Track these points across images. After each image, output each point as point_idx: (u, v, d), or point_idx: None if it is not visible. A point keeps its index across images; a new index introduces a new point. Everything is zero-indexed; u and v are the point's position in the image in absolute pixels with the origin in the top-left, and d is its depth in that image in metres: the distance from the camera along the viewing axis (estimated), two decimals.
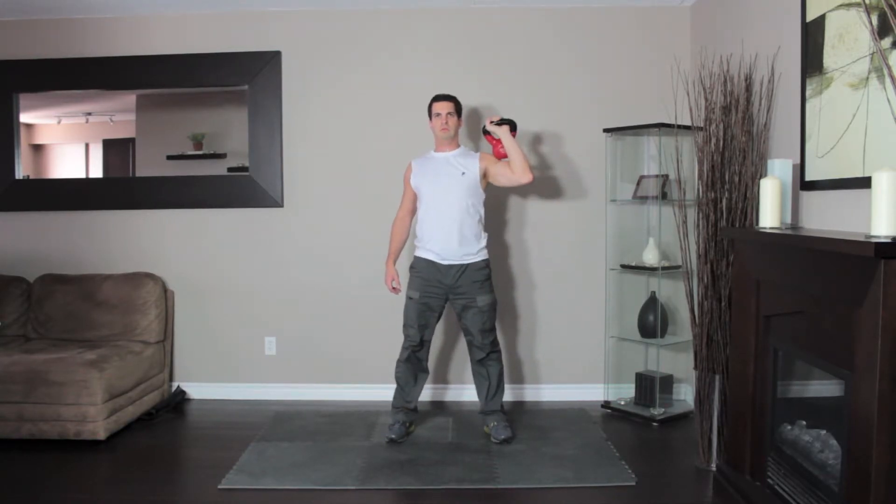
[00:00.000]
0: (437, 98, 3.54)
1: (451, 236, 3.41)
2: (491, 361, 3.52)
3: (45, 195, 4.33)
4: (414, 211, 3.63)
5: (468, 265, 3.43)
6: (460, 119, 3.58)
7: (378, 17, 4.18)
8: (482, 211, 3.52)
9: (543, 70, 4.17)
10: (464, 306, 3.46)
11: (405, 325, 3.52)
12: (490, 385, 3.52)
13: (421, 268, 3.48)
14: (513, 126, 3.51)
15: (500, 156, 3.52)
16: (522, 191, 4.15)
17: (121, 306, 4.05)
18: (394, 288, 3.61)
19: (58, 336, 4.05)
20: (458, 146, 3.58)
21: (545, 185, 4.19)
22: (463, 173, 3.45)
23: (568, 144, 4.18)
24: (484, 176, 3.49)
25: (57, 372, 3.42)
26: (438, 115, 3.49)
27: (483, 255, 3.49)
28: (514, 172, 3.39)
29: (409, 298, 3.51)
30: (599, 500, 2.86)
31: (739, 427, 2.81)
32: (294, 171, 4.24)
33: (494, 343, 3.52)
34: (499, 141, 3.50)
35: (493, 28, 4.17)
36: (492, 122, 3.51)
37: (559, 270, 4.23)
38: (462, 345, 4.08)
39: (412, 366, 3.54)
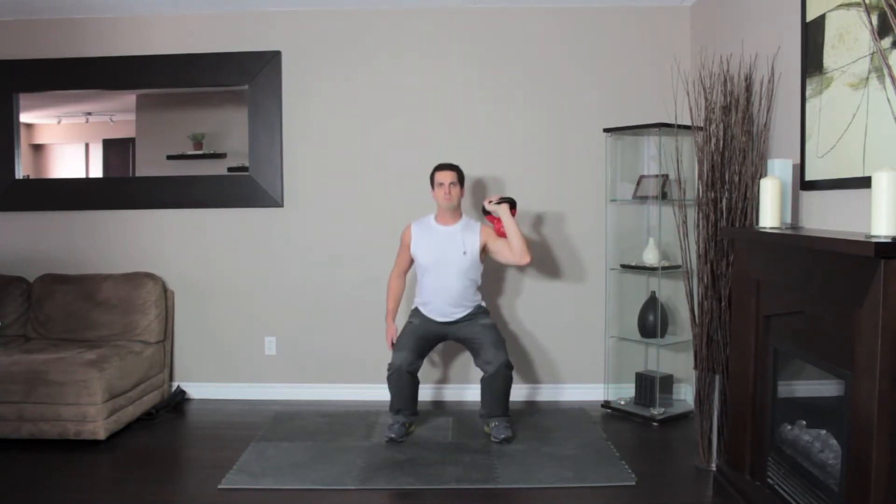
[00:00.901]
0: (440, 167, 3.56)
1: (451, 306, 3.52)
2: (502, 377, 3.44)
3: (45, 195, 4.33)
4: (409, 269, 3.73)
5: (465, 315, 3.56)
6: (463, 189, 3.60)
7: (378, 17, 4.18)
8: (480, 279, 3.62)
9: (543, 70, 4.17)
10: (469, 329, 3.52)
11: (399, 347, 3.48)
12: (498, 397, 3.48)
13: (421, 316, 3.60)
14: (512, 204, 3.56)
15: (501, 234, 3.56)
16: (522, 191, 4.15)
17: (121, 306, 4.05)
18: (392, 344, 3.64)
19: (58, 336, 4.05)
20: (461, 216, 3.61)
21: (545, 184, 4.18)
22: (464, 253, 3.49)
23: (568, 144, 4.18)
24: (483, 250, 3.56)
25: (57, 372, 3.42)
26: (441, 185, 3.51)
27: (479, 304, 3.62)
28: (514, 254, 3.46)
29: (409, 322, 3.59)
30: (599, 500, 2.86)
31: (739, 427, 2.81)
32: (294, 171, 4.24)
33: (509, 363, 3.46)
34: (499, 219, 3.53)
35: (493, 28, 4.17)
36: (490, 203, 3.55)
37: (559, 270, 4.23)
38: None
39: (404, 382, 3.47)
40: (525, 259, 3.44)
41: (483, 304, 3.66)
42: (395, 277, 3.73)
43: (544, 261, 4.22)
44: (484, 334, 3.48)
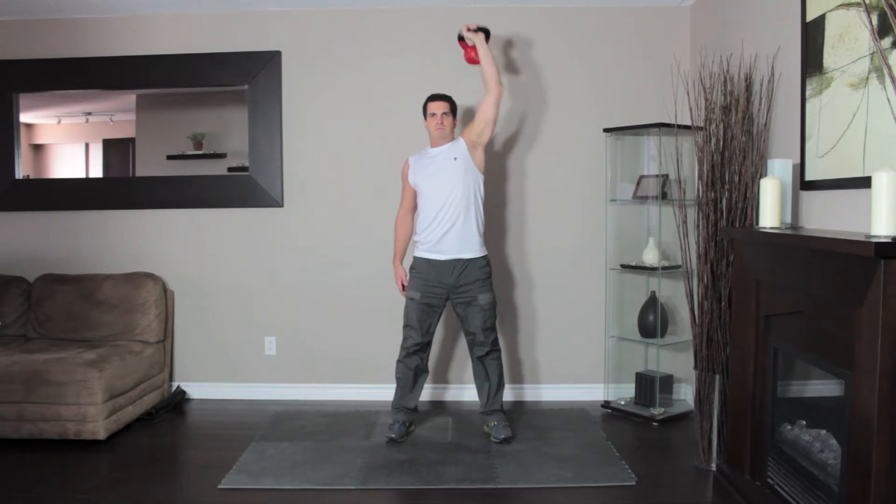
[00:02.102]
0: (433, 98, 3.55)
1: (451, 227, 3.41)
2: (491, 360, 3.52)
3: (45, 195, 4.33)
4: (415, 208, 3.63)
5: (469, 262, 3.43)
6: (455, 118, 3.59)
7: (378, 17, 4.18)
8: (481, 193, 3.51)
9: (543, 70, 4.17)
10: (465, 305, 3.46)
11: (406, 326, 3.52)
12: (490, 384, 3.53)
13: (421, 268, 3.48)
14: (487, 34, 3.54)
15: (472, 61, 3.56)
16: (522, 191, 4.15)
17: (121, 306, 4.05)
18: (403, 286, 3.61)
19: (58, 336, 4.05)
20: (453, 140, 3.58)
21: (545, 184, 4.19)
22: (455, 158, 3.46)
23: (568, 144, 4.18)
24: (473, 146, 3.48)
25: (57, 372, 3.42)
26: (433, 114, 3.50)
27: (483, 252, 3.50)
28: (487, 84, 3.43)
29: (409, 299, 3.51)
30: (599, 500, 2.86)
31: (739, 427, 2.81)
32: (294, 171, 4.24)
33: (495, 342, 3.53)
34: (472, 47, 3.53)
35: (493, 28, 4.15)
36: (469, 29, 3.53)
37: (559, 270, 4.23)
38: (462, 345, 4.08)
39: (413, 365, 3.54)
40: (497, 86, 3.42)
41: (486, 255, 3.52)
42: (400, 218, 3.67)
43: (544, 260, 4.22)
44: (477, 316, 3.44)
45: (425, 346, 3.53)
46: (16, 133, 4.30)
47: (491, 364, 3.53)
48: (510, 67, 4.17)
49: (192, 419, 3.99)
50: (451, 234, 3.41)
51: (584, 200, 4.19)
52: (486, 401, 3.54)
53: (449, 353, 4.26)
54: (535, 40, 4.17)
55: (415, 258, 3.53)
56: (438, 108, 3.50)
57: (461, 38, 3.61)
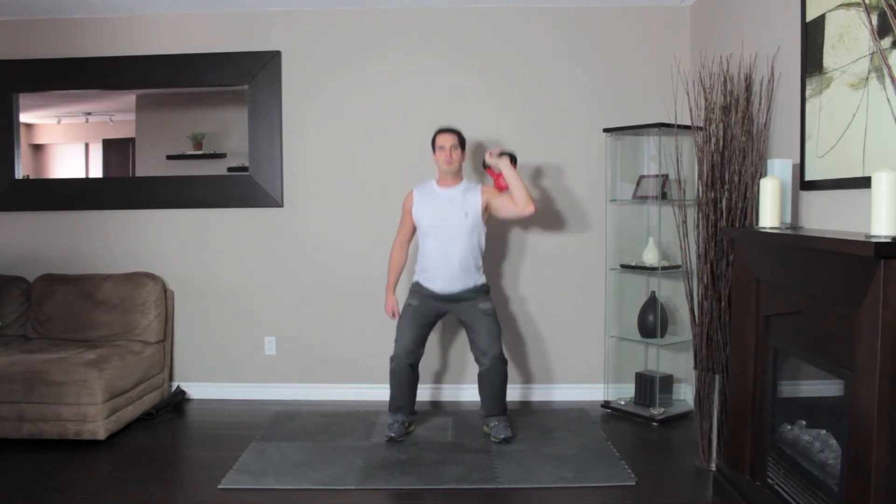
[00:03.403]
0: (441, 131, 3.53)
1: (454, 272, 3.45)
2: (497, 372, 3.47)
3: (45, 195, 4.33)
4: (411, 239, 3.66)
5: (467, 290, 3.49)
6: (464, 152, 3.58)
7: (378, 17, 4.18)
8: (483, 243, 3.56)
9: (543, 70, 4.17)
10: (468, 313, 3.48)
11: (399, 337, 3.50)
12: (495, 393, 3.50)
13: (421, 290, 3.53)
14: (513, 158, 3.53)
15: (502, 188, 3.52)
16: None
17: (121, 306, 4.05)
18: (393, 314, 3.64)
19: (58, 336, 4.05)
20: (462, 179, 3.58)
21: (545, 184, 4.19)
22: (466, 214, 3.45)
23: (568, 144, 4.18)
24: (486, 209, 3.51)
25: (57, 372, 3.42)
26: (442, 147, 3.48)
27: (482, 280, 3.55)
28: (517, 205, 3.41)
29: (407, 305, 3.53)
30: (599, 500, 2.86)
31: (739, 427, 2.81)
32: (294, 171, 4.24)
33: (502, 355, 3.49)
34: (500, 174, 3.50)
35: (494, 28, 4.17)
36: (491, 156, 3.51)
37: (559, 270, 4.23)
38: (462, 345, 4.08)
39: (405, 375, 3.50)
40: (529, 208, 3.38)
41: (486, 283, 3.57)
42: (397, 247, 3.67)
43: (544, 260, 4.22)
44: (481, 322, 3.45)
45: (416, 351, 3.51)
46: (16, 133, 4.30)
47: (496, 375, 3.48)
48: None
49: (192, 419, 3.99)
50: (455, 276, 3.46)
51: (584, 200, 4.19)
52: (489, 406, 3.51)
53: (448, 353, 4.26)
54: (535, 40, 4.17)
55: (417, 283, 3.57)
56: (447, 140, 3.48)
57: (486, 166, 3.57)
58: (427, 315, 3.50)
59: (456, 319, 3.65)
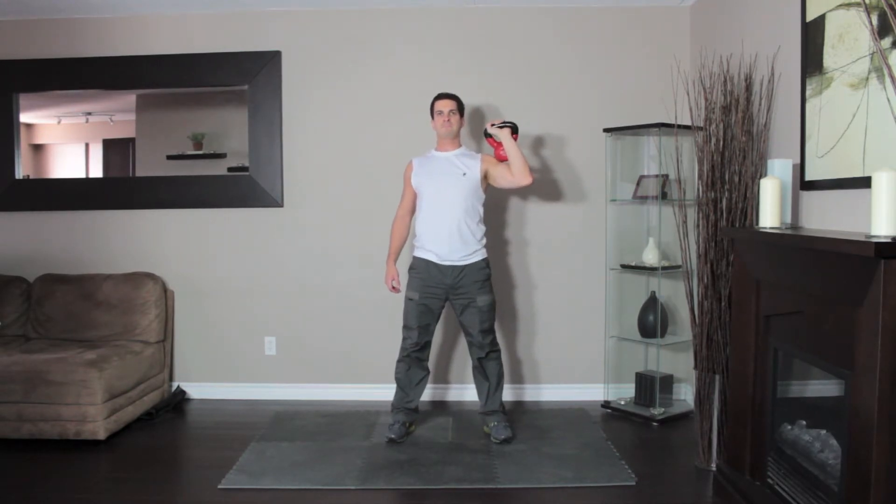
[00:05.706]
0: (440, 96, 3.55)
1: (451, 236, 3.41)
2: (490, 361, 3.53)
3: (45, 195, 4.33)
4: (414, 209, 3.62)
5: (468, 265, 3.44)
6: (462, 118, 3.59)
7: (378, 16, 4.18)
8: (482, 211, 3.53)
9: (543, 70, 4.17)
10: (464, 306, 3.46)
11: (405, 327, 3.52)
12: (490, 385, 3.53)
13: (420, 268, 3.48)
14: (514, 129, 3.51)
15: (502, 158, 3.52)
16: (523, 191, 4.14)
17: (121, 306, 4.05)
18: (393, 287, 3.61)
19: (58, 336, 4.05)
20: (460, 146, 3.58)
21: (545, 185, 4.19)
22: (464, 174, 3.45)
23: (568, 144, 4.18)
24: (485, 178, 3.50)
25: (57, 372, 3.42)
26: (440, 112, 3.50)
27: (482, 255, 3.49)
28: (514, 175, 3.41)
29: (408, 300, 3.51)
30: (599, 500, 2.86)
31: (739, 427, 2.81)
32: (294, 171, 4.24)
33: (494, 343, 3.53)
34: (500, 144, 3.50)
35: (493, 28, 4.17)
36: (493, 125, 3.51)
37: (559, 270, 4.23)
38: (462, 345, 4.08)
39: (412, 366, 3.54)
40: (526, 179, 3.39)
41: (486, 255, 3.51)
42: (398, 218, 3.65)
43: (544, 260, 4.22)
44: (474, 319, 3.44)
45: (424, 346, 3.53)
46: (16, 133, 4.30)
47: (490, 364, 3.53)
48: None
49: (192, 419, 3.99)
50: (452, 240, 3.41)
51: (584, 200, 4.19)
52: (486, 400, 3.54)
53: (449, 353, 4.26)
54: (535, 40, 4.17)
55: (414, 258, 3.53)
56: (445, 105, 3.50)
57: (488, 135, 3.58)
58: (429, 306, 3.48)
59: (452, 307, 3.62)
